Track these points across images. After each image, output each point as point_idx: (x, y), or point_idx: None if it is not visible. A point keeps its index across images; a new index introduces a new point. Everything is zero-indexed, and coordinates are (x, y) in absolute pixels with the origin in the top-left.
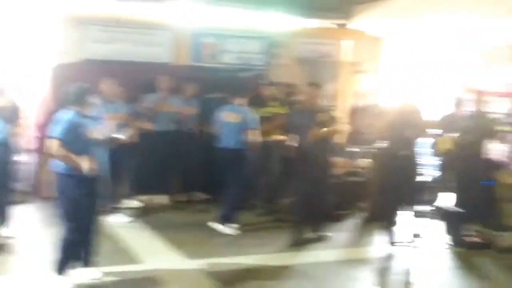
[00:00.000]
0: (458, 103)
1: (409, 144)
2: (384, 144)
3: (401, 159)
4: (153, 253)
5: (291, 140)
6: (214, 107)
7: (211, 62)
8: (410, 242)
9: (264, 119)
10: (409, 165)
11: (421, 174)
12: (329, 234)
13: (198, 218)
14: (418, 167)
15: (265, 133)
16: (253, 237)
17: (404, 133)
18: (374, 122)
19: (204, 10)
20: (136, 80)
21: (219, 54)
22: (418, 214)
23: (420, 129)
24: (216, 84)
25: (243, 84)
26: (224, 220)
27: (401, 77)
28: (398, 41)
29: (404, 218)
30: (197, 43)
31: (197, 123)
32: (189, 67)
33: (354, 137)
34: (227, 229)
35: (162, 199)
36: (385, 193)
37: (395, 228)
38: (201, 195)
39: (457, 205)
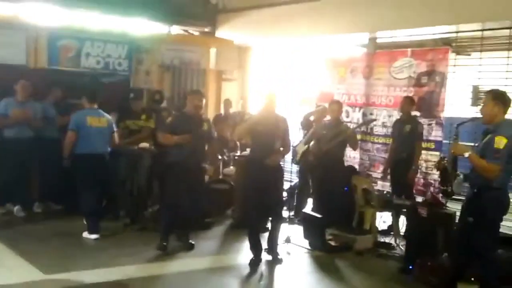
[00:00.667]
0: (333, 108)
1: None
2: (248, 152)
3: (267, 167)
4: (6, 267)
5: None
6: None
7: (69, 66)
8: (275, 249)
9: (132, 132)
10: (275, 172)
11: (287, 181)
12: (196, 242)
13: (55, 229)
14: (283, 174)
15: (132, 143)
16: (117, 248)
17: (268, 142)
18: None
19: (62, 11)
20: None
21: (79, 57)
22: (287, 220)
23: (286, 137)
24: (76, 89)
25: (104, 90)
26: (87, 228)
27: (268, 85)
28: (265, 50)
29: (272, 224)
30: (54, 45)
31: (57, 130)
32: (45, 70)
33: (220, 145)
34: (89, 237)
35: (16, 210)
36: (249, 200)
37: (261, 235)
38: (56, 206)
39: (315, 210)
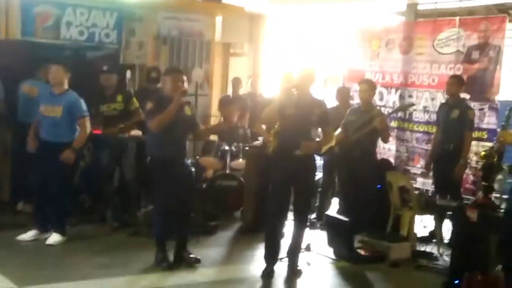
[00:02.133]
0: (342, 94)
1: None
2: (260, 142)
3: (296, 159)
4: None
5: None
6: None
7: (47, 37)
8: (296, 257)
9: (108, 119)
10: (306, 167)
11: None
12: (198, 250)
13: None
14: (315, 170)
15: (118, 130)
16: (105, 256)
17: (300, 129)
18: (253, 115)
19: None
20: None
21: (58, 27)
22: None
23: (324, 125)
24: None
25: (88, 66)
26: (54, 228)
27: (284, 61)
28: (282, 19)
29: (295, 229)
30: (29, 13)
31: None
32: (18, 42)
33: (226, 133)
34: (54, 239)
35: None
36: (272, 198)
37: (278, 241)
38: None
39: (341, 213)
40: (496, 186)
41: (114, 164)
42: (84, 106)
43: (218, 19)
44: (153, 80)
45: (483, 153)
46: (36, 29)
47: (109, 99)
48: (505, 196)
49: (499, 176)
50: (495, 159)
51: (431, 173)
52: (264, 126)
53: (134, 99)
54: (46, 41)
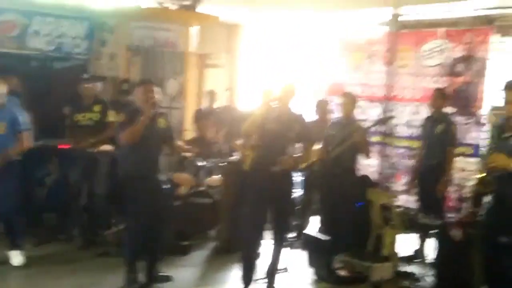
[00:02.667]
0: (321, 108)
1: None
2: (236, 158)
3: (274, 176)
4: None
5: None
6: None
7: (12, 48)
8: (272, 280)
9: (81, 128)
10: (284, 183)
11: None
12: (170, 271)
13: None
14: (293, 186)
15: (89, 144)
16: (70, 277)
17: (278, 145)
18: (229, 129)
19: None
20: None
21: (24, 37)
22: (287, 244)
23: (304, 139)
24: (20, 77)
25: (56, 78)
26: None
27: (262, 73)
28: (260, 29)
29: (267, 248)
30: None
31: None
32: None
33: (201, 148)
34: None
35: None
36: (249, 217)
37: (254, 262)
38: None
39: (322, 231)
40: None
41: (82, 180)
42: (25, 119)
43: (194, 29)
44: (125, 92)
45: (477, 179)
46: (1, 38)
47: (85, 109)
48: None
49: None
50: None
51: (415, 190)
52: (240, 141)
53: (111, 111)
54: (10, 51)
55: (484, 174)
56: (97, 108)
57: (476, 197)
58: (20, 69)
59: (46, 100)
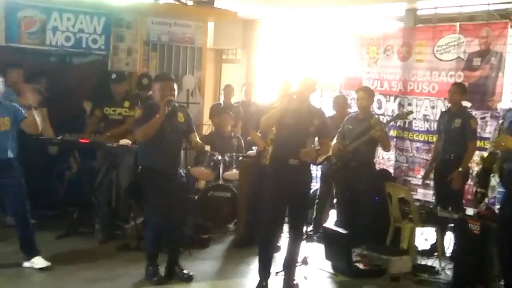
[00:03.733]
0: (339, 103)
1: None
2: (254, 152)
3: (292, 170)
4: None
5: None
6: None
7: (32, 43)
8: (292, 271)
9: (112, 122)
10: (302, 177)
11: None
12: (190, 263)
13: (6, 247)
14: (311, 180)
15: (114, 136)
16: (91, 270)
17: (296, 139)
18: (247, 123)
19: None
20: None
21: (44, 33)
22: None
23: (324, 135)
24: (40, 72)
25: (75, 73)
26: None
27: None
28: (276, 24)
29: (291, 242)
30: (12, 18)
31: None
32: (2, 48)
33: (219, 143)
34: (36, 263)
35: None
36: (266, 210)
37: (273, 255)
38: None
39: (339, 225)
40: (489, 192)
41: (102, 174)
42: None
43: (210, 25)
44: (144, 87)
45: (485, 155)
46: (21, 34)
47: (116, 103)
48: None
49: (492, 183)
50: (494, 165)
51: (431, 183)
52: (257, 134)
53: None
54: (31, 47)
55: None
56: (126, 103)
57: (482, 176)
58: (40, 64)
59: (65, 95)
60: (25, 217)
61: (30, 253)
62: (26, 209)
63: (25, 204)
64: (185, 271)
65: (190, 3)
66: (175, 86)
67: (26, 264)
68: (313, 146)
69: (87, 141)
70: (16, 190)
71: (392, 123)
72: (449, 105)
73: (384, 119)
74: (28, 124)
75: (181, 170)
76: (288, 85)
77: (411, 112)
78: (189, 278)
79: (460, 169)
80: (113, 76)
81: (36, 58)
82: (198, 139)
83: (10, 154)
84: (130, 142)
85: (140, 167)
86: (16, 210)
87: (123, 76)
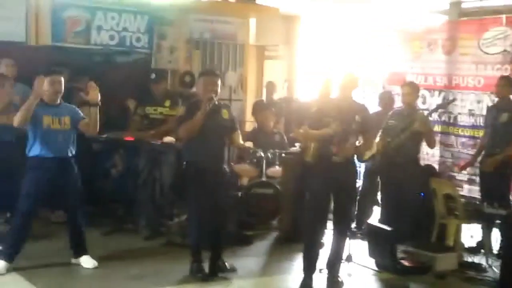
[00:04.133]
0: (385, 99)
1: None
2: (297, 148)
3: (336, 167)
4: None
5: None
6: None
7: (77, 43)
8: (337, 268)
9: (154, 121)
10: (346, 174)
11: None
12: (234, 261)
13: (54, 243)
14: (356, 176)
15: (156, 135)
16: (136, 267)
17: (340, 135)
18: (289, 120)
19: None
20: None
21: (89, 32)
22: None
23: (367, 130)
24: (85, 71)
25: (120, 71)
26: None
27: (321, 64)
28: (318, 20)
29: (336, 239)
30: (59, 18)
31: None
32: (48, 48)
33: (261, 139)
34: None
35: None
36: (311, 208)
37: (317, 252)
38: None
39: (384, 221)
40: None
41: (147, 171)
42: None
43: (252, 21)
44: (187, 84)
45: None
46: (67, 34)
47: (157, 102)
48: None
49: None
50: None
51: (477, 179)
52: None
53: (180, 106)
54: (76, 46)
55: None
56: (167, 103)
57: None
58: (85, 64)
59: (110, 94)
60: (77, 216)
61: (79, 252)
62: (80, 209)
63: (80, 204)
64: (227, 264)
65: (231, 0)
66: (219, 82)
67: (73, 261)
68: (358, 142)
69: (132, 139)
70: (73, 189)
71: (436, 117)
72: (496, 99)
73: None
74: (87, 124)
75: (225, 167)
76: (329, 83)
77: (454, 100)
78: (232, 269)
79: (499, 156)
80: (152, 76)
81: (81, 58)
82: (240, 138)
83: (70, 153)
84: (174, 139)
85: (184, 163)
86: (70, 209)
87: (162, 76)
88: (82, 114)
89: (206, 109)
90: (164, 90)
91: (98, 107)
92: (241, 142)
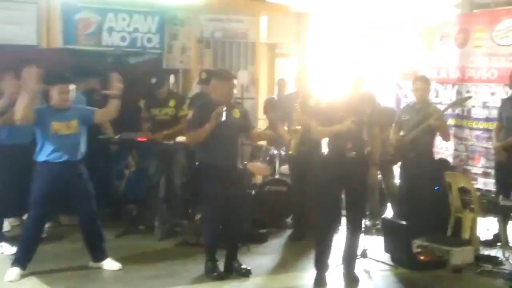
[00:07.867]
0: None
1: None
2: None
3: (348, 162)
4: None
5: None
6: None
7: (89, 45)
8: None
9: (160, 123)
10: (359, 169)
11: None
12: (248, 258)
13: (67, 246)
14: (368, 171)
15: (170, 136)
16: (151, 267)
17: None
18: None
19: None
20: None
21: (100, 34)
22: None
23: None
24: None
25: (132, 72)
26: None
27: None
28: (329, 17)
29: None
30: (70, 20)
31: None
32: (60, 51)
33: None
34: (111, 265)
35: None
36: (322, 205)
37: (329, 248)
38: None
39: (398, 216)
40: None
41: (160, 171)
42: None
43: (263, 19)
44: (204, 81)
45: None
46: (78, 36)
47: (161, 103)
48: None
49: None
50: None
51: (492, 172)
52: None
53: (185, 105)
54: (88, 48)
55: None
56: (172, 103)
57: None
58: (97, 65)
59: (123, 95)
60: (93, 220)
61: (100, 257)
62: (95, 213)
63: (93, 207)
64: (243, 267)
65: None
66: (235, 82)
67: (93, 265)
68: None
69: (145, 139)
70: (84, 193)
71: (450, 111)
72: (510, 91)
73: (443, 107)
74: (103, 112)
75: (239, 166)
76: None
77: (469, 98)
78: (247, 273)
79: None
80: (153, 81)
81: (93, 59)
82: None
83: (79, 157)
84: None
85: (197, 163)
86: (83, 214)
87: (163, 80)
88: (91, 108)
89: (215, 124)
90: (166, 91)
91: (117, 100)
92: (262, 130)
